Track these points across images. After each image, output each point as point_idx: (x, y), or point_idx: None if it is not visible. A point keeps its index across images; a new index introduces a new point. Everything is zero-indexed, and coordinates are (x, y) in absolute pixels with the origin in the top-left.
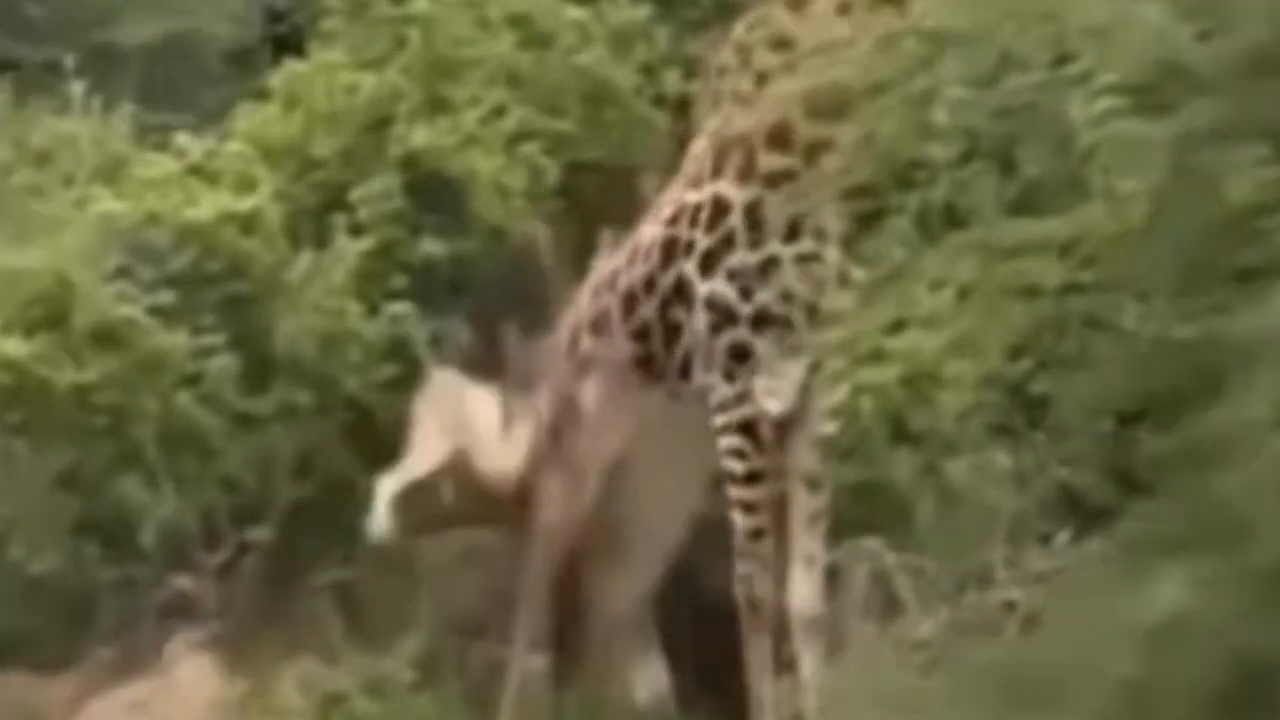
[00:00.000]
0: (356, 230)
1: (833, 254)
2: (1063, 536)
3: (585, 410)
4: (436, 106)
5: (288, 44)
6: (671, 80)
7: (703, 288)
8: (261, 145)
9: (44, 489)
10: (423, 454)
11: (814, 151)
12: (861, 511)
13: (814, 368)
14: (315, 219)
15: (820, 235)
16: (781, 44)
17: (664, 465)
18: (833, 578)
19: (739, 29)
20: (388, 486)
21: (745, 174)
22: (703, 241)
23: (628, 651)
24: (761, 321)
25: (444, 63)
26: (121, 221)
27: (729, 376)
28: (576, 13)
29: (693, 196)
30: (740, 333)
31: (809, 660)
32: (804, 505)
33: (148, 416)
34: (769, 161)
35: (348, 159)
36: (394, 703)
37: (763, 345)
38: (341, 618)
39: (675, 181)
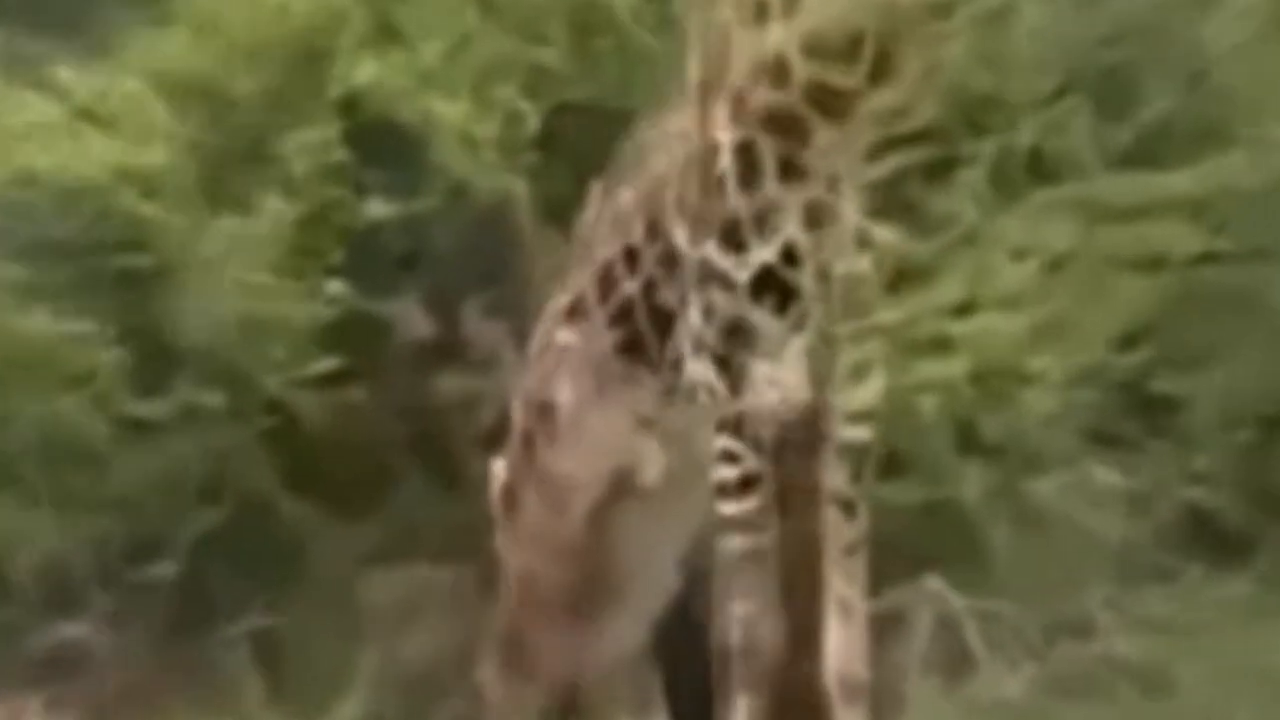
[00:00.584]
0: (286, 189)
1: (849, 208)
2: (1190, 573)
3: (561, 416)
4: (387, 35)
5: None
6: (678, 1)
7: (693, 254)
8: (165, 82)
9: None
10: None
11: (818, 92)
12: (922, 542)
13: (830, 351)
14: (235, 176)
15: (833, 183)
16: None
17: (663, 484)
18: (887, 626)
19: None
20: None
21: (737, 113)
22: (694, 198)
23: (618, 713)
24: (761, 286)
25: None
26: None
27: (721, 361)
28: None
29: (681, 146)
30: (735, 303)
31: None
32: (834, 534)
33: (22, 423)
34: (764, 98)
35: (275, 100)
36: None
37: (762, 318)
38: (263, 674)
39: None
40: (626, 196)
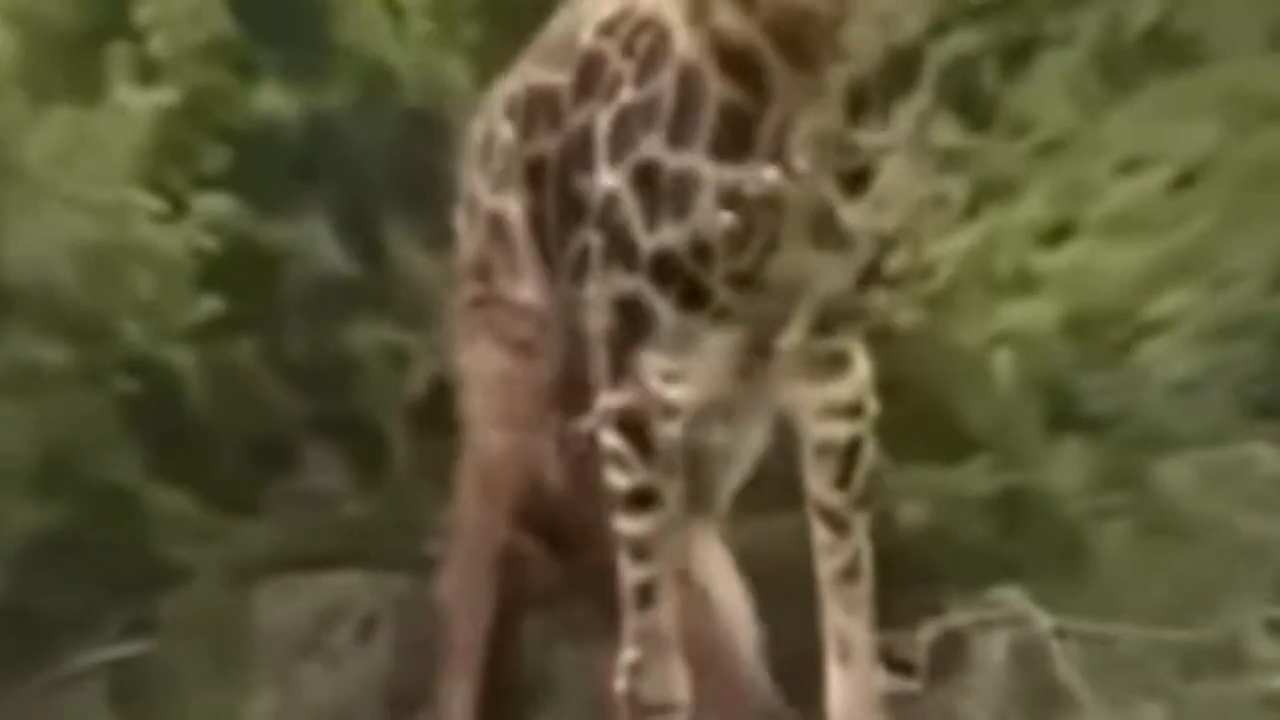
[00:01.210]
0: (147, 72)
1: (802, 188)
2: None
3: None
4: None
5: None
6: None
7: (605, 179)
8: None
9: None
10: None
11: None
12: (998, 543)
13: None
14: (74, 53)
15: (791, 154)
16: None
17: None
18: (947, 653)
19: None
20: None
21: (697, 14)
22: (628, 94)
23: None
24: (662, 270)
25: None
26: None
27: (612, 340)
28: None
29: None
30: (631, 277)
31: None
32: (825, 556)
33: None
34: (723, 20)
35: None
36: None
37: (665, 309)
38: (121, 718)
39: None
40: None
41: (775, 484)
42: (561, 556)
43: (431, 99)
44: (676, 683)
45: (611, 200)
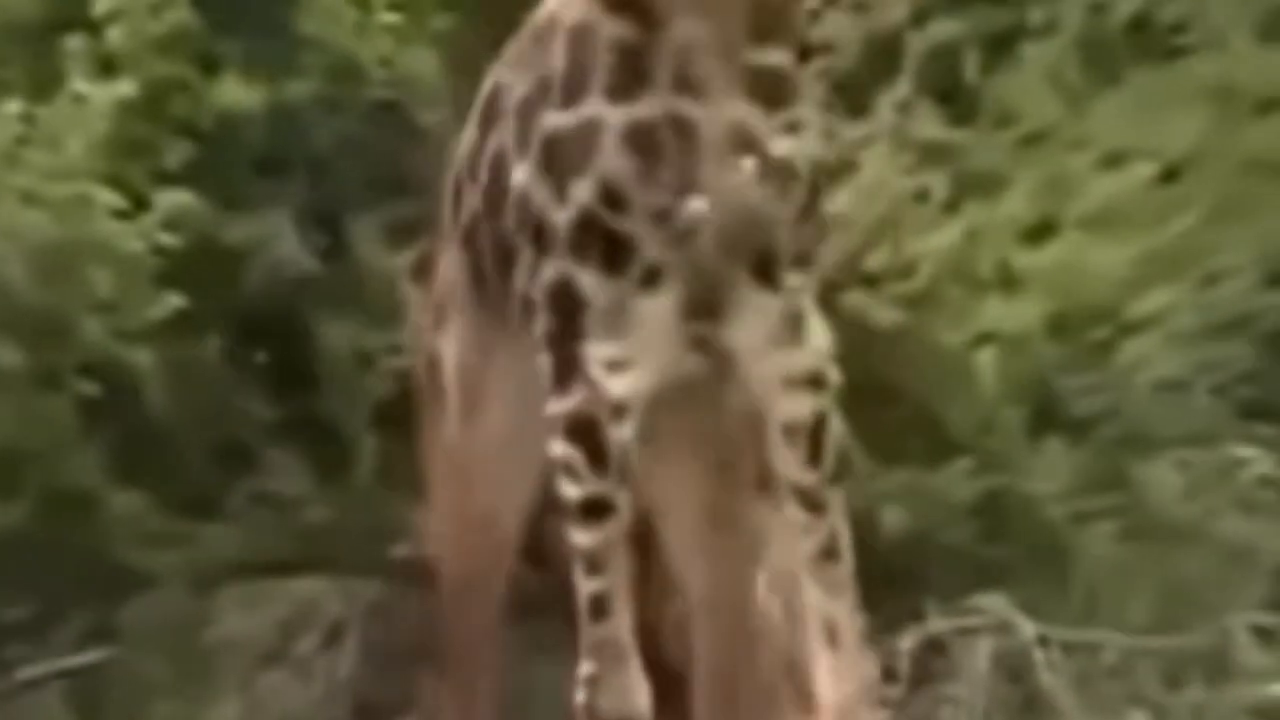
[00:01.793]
0: (105, 64)
1: (716, 123)
2: None
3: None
4: None
5: None
6: None
7: (517, 176)
8: None
9: None
10: None
11: None
12: (980, 548)
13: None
14: (29, 44)
15: (698, 89)
16: None
17: None
18: (928, 661)
19: None
20: None
21: None
22: (521, 91)
23: None
24: (579, 236)
25: None
26: None
27: (552, 341)
28: None
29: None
30: (553, 261)
31: None
32: (801, 538)
33: None
34: None
35: None
36: None
37: (590, 280)
38: None
39: None
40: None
41: None
42: (537, 569)
43: (398, 92)
44: (636, 694)
45: (523, 197)
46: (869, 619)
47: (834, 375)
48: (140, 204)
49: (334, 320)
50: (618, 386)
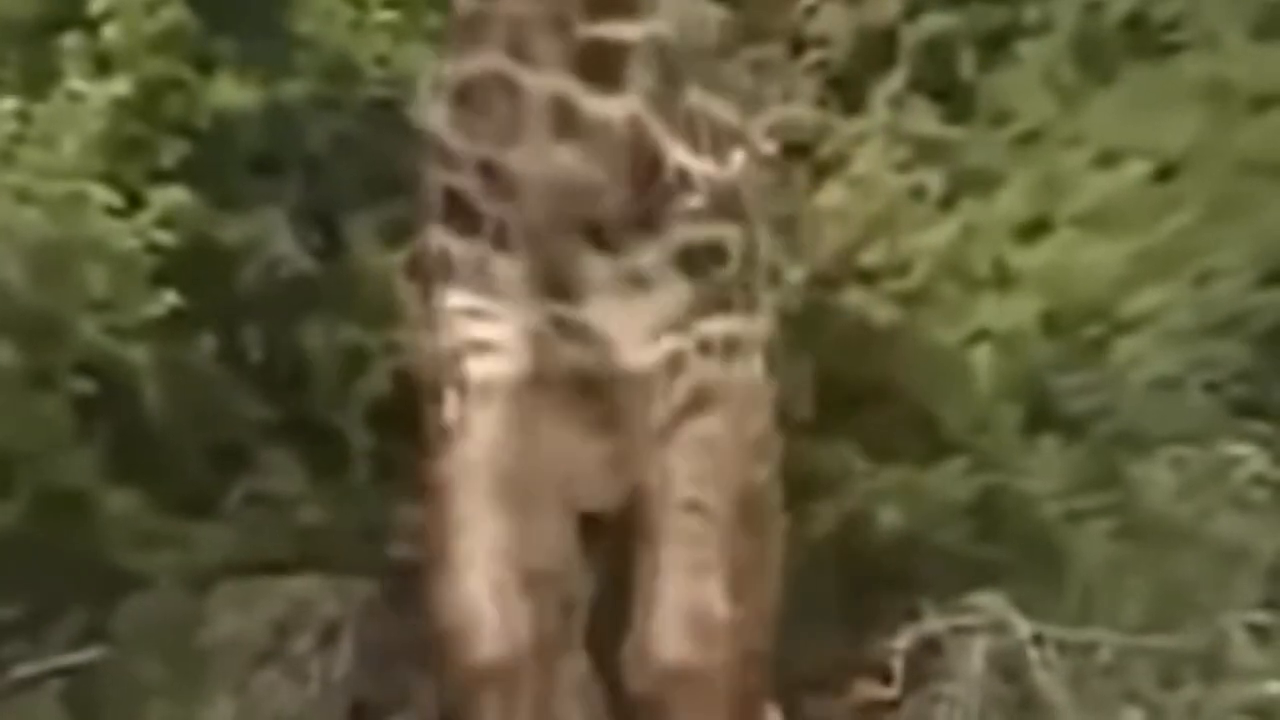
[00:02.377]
0: (101, 63)
1: (541, 90)
2: None
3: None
4: None
5: None
6: None
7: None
8: None
9: None
10: None
11: None
12: (975, 547)
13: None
14: (27, 37)
15: (528, 57)
16: None
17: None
18: (922, 659)
19: None
20: None
21: None
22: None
23: None
24: (451, 202)
25: None
26: None
27: (427, 294)
28: None
29: None
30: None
31: None
32: (673, 535)
33: None
34: None
35: None
36: None
37: (458, 246)
38: None
39: None
40: None
41: None
42: None
43: (394, 91)
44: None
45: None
46: (864, 619)
47: (703, 329)
48: (135, 202)
49: (329, 319)
50: (496, 365)
